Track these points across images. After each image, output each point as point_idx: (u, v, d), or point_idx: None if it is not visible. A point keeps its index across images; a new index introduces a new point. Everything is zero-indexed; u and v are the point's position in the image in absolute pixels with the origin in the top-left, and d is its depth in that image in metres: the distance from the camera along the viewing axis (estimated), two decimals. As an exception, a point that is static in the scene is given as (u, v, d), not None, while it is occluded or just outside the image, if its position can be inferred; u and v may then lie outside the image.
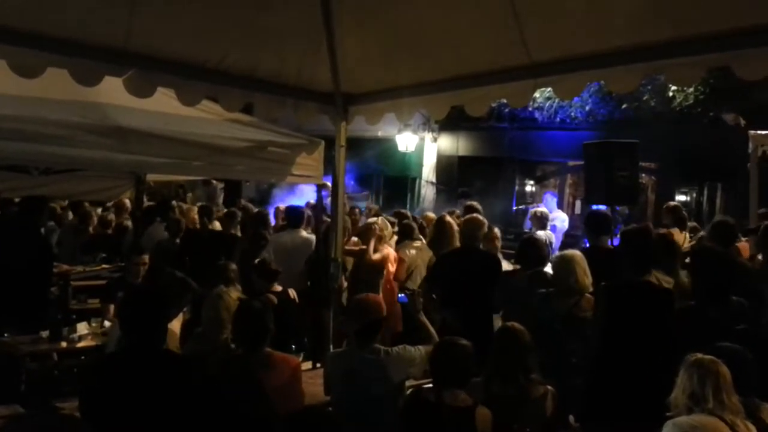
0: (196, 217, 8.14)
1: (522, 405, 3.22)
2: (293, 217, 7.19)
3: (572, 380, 3.90)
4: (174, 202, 8.95)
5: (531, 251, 5.15)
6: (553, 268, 4.48)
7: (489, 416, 3.05)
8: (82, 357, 5.30)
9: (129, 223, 8.82)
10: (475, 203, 7.62)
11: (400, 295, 4.22)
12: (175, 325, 4.17)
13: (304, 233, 6.99)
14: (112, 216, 9.13)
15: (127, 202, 8.83)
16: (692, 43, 3.20)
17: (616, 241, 5.34)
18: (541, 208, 8.61)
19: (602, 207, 7.57)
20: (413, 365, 3.52)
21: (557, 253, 4.55)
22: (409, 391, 3.53)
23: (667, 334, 3.72)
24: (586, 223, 5.93)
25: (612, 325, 3.92)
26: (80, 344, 5.33)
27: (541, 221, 7.92)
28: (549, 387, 3.32)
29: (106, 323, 5.53)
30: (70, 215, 9.56)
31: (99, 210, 9.55)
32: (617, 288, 4.06)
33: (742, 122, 10.99)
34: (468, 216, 5.90)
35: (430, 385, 3.28)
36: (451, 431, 3.00)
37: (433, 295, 4.13)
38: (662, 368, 2.93)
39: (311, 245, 6.80)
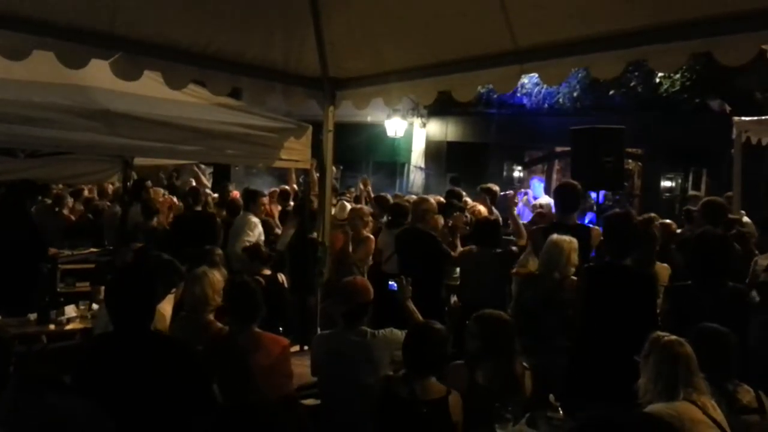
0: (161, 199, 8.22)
1: (502, 387, 3.24)
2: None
3: (554, 361, 3.98)
4: (148, 183, 8.92)
5: (484, 232, 5.40)
6: (543, 250, 4.55)
7: (460, 401, 3.07)
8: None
9: (106, 204, 8.88)
10: (491, 186, 7.80)
11: (389, 282, 4.26)
12: (166, 308, 4.18)
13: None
14: (75, 204, 9.17)
15: (110, 186, 8.86)
16: (675, 29, 3.24)
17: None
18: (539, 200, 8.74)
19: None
20: (399, 348, 3.53)
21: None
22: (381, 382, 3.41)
23: (647, 317, 3.79)
24: (554, 197, 5.55)
25: (592, 307, 4.00)
26: (68, 327, 5.35)
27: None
28: (525, 365, 3.36)
29: (94, 306, 5.54)
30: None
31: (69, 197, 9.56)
32: (598, 270, 4.13)
33: (728, 109, 11.08)
34: (416, 198, 6.29)
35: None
36: (427, 426, 2.97)
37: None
38: (641, 350, 2.99)
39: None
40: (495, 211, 7.46)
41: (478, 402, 3.10)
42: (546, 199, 9.63)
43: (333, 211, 7.45)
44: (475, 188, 8.18)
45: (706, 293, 3.69)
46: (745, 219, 7.01)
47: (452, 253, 5.68)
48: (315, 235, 5.61)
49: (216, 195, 9.16)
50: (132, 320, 2.82)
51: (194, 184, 9.21)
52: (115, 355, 2.78)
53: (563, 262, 4.35)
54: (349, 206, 7.21)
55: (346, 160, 13.63)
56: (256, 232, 6.79)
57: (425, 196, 6.39)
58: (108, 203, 9.28)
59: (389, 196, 8.23)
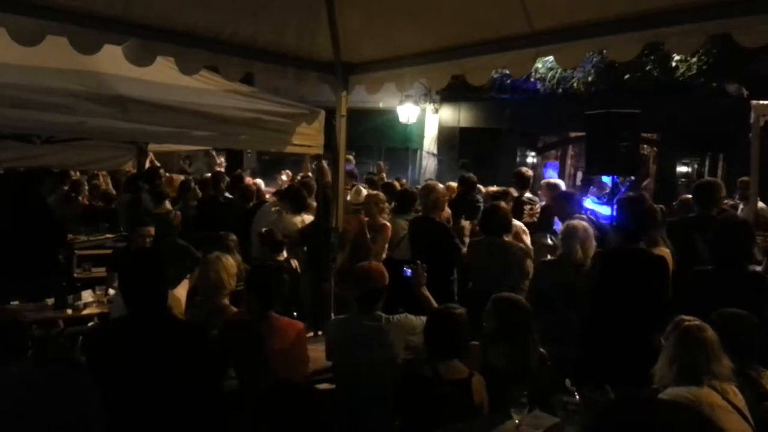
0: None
1: (518, 371, 3.24)
2: None
3: (570, 347, 3.96)
4: (162, 170, 8.98)
5: (492, 220, 5.31)
6: (561, 236, 4.54)
7: (483, 383, 3.08)
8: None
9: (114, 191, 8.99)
10: (523, 170, 7.70)
11: (404, 268, 4.29)
12: (181, 292, 4.22)
13: None
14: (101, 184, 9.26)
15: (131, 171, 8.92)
16: (692, 10, 3.19)
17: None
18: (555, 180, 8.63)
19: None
20: (414, 333, 3.52)
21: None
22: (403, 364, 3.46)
23: (659, 300, 3.77)
24: (619, 215, 4.43)
25: (605, 291, 3.99)
26: (85, 311, 5.42)
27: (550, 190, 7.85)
28: (541, 350, 3.36)
29: (111, 291, 5.59)
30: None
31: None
32: (610, 254, 4.10)
33: (745, 93, 10.94)
34: (425, 186, 6.24)
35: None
36: (449, 404, 2.99)
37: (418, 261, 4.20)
38: (654, 333, 2.97)
39: None
40: (528, 196, 7.44)
41: (492, 384, 3.10)
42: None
43: (348, 196, 7.47)
44: (488, 174, 8.11)
45: (726, 278, 3.66)
46: (761, 204, 6.93)
47: (462, 248, 5.67)
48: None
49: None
50: (145, 302, 2.82)
51: (217, 170, 9.31)
52: (130, 337, 2.80)
53: (578, 247, 4.32)
54: (365, 192, 7.18)
55: (358, 147, 13.61)
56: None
57: (432, 182, 6.32)
58: (113, 191, 9.38)
59: (396, 183, 8.23)
